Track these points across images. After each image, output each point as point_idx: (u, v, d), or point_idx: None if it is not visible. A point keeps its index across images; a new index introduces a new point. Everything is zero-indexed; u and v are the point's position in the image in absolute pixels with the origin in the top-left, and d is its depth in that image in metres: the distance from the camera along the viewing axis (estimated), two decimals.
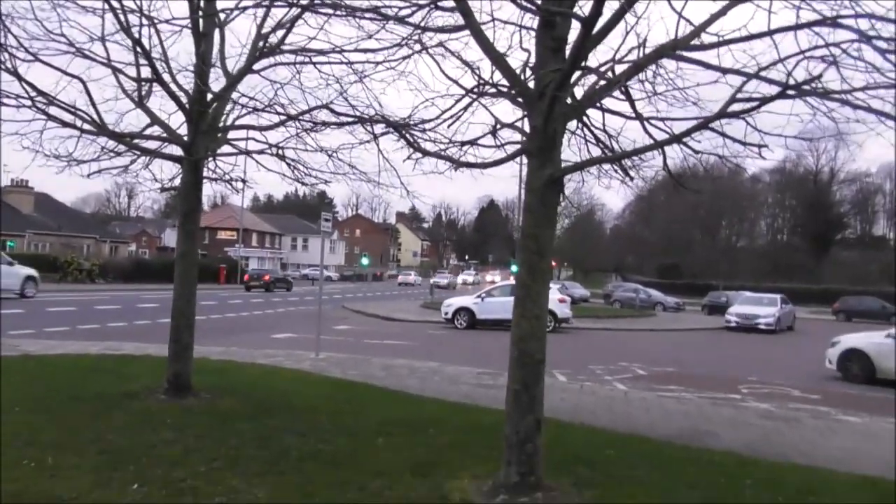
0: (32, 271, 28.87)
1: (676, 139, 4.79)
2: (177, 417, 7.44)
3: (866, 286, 55.11)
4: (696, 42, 5.25)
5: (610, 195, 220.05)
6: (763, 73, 4.90)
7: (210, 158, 8.70)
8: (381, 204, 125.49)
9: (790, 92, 4.29)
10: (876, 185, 79.06)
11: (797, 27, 4.28)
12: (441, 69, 6.09)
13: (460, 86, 5.93)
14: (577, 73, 5.60)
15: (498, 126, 6.14)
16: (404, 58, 6.37)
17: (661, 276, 76.56)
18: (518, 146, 6.01)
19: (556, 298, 25.49)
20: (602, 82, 5.47)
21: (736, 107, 4.71)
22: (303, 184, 8.75)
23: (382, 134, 5.98)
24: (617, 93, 5.63)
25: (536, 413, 5.20)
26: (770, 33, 4.39)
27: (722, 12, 5.12)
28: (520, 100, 5.56)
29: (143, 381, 9.28)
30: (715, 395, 12.35)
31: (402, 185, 7.91)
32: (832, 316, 41.62)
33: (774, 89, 4.75)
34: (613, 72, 5.54)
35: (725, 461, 6.93)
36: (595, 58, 5.92)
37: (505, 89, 5.69)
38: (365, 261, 73.27)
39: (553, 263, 36.63)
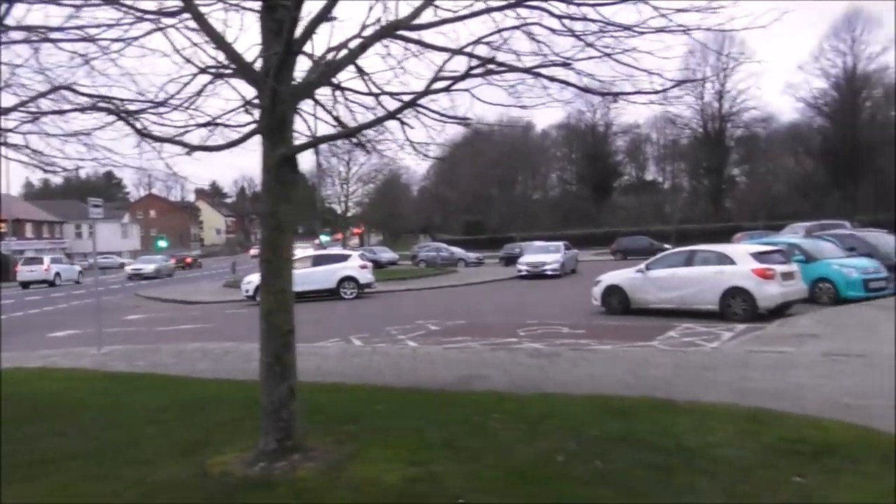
0: (79, 267, 47.23)
1: (391, 115, 5.22)
2: None
3: (642, 226, 61.51)
4: (416, 22, 5.69)
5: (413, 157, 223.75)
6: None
7: None
8: (178, 182, 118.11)
9: (476, 71, 4.85)
10: (644, 136, 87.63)
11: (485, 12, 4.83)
12: (175, 48, 6.04)
13: (194, 65, 5.93)
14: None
15: (242, 105, 6.24)
16: (137, 37, 6.22)
17: (467, 233, 79.82)
18: None
19: (357, 265, 25.98)
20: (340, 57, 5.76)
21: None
22: (45, 171, 8.20)
23: (116, 121, 5.82)
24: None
25: (290, 381, 5.50)
26: (461, 18, 4.91)
27: None
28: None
29: None
30: (496, 340, 13.39)
31: (168, 167, 7.73)
32: (611, 256, 46.07)
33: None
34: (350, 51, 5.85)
35: (484, 400, 7.71)
36: (344, 34, 6.22)
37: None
38: (162, 243, 69.19)
39: (357, 231, 37.17)
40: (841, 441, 5.58)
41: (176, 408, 7.76)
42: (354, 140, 6.17)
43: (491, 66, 4.94)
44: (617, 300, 16.59)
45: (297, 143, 5.74)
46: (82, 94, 7.47)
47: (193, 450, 5.99)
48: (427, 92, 5.06)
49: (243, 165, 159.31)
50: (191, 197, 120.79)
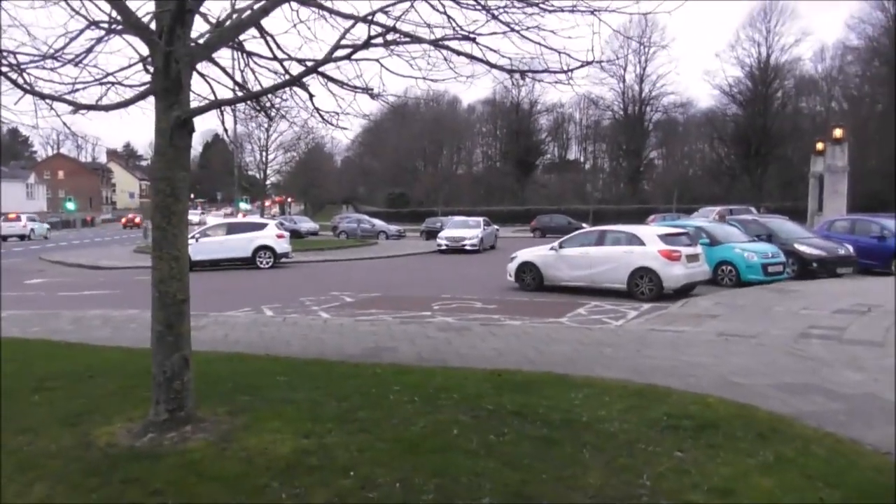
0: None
1: (292, 82, 5.09)
2: None
3: (563, 205, 62.79)
4: None
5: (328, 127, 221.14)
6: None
7: None
8: (88, 142, 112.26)
9: (377, 41, 4.78)
10: (568, 115, 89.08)
11: None
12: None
13: (84, 17, 5.59)
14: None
15: (136, 63, 5.95)
16: None
17: (390, 206, 79.47)
18: None
19: (275, 234, 25.52)
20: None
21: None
22: None
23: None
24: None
25: (183, 351, 5.36)
26: None
27: None
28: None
29: None
30: (409, 314, 13.42)
31: (65, 126, 7.30)
32: (531, 233, 46.84)
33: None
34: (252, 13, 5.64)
35: (387, 372, 7.71)
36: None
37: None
38: (70, 205, 66.05)
39: (279, 199, 36.54)
40: (722, 417, 5.87)
41: (66, 376, 7.43)
42: (258, 105, 5.99)
43: (395, 37, 4.86)
44: (531, 277, 16.88)
45: (196, 105, 5.53)
46: None
47: (79, 420, 5.77)
48: (328, 60, 4.94)
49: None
50: (102, 158, 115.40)
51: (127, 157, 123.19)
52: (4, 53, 5.16)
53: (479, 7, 5.31)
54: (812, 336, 10.22)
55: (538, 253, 17.12)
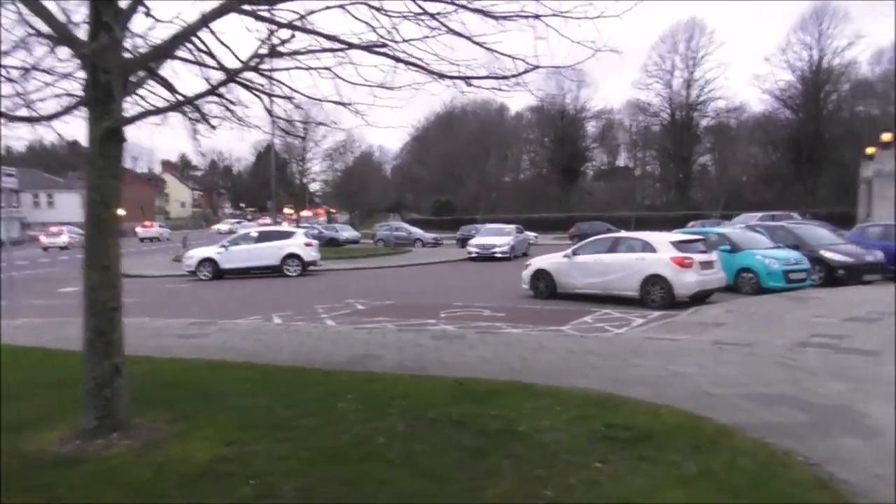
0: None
1: (212, 90, 5.13)
2: None
3: (609, 212, 61.85)
4: None
5: (388, 135, 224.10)
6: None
7: None
8: (144, 152, 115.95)
9: (289, 48, 4.79)
10: (618, 122, 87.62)
11: None
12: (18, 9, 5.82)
13: (33, 27, 5.72)
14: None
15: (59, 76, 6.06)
16: None
17: (435, 213, 79.60)
18: None
19: (303, 242, 25.83)
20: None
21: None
22: None
23: None
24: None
25: (114, 358, 5.43)
26: None
27: None
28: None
29: None
30: (413, 321, 13.37)
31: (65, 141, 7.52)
32: (570, 240, 46.25)
33: None
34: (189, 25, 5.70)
35: (354, 380, 7.69)
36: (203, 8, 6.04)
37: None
38: (120, 213, 68.37)
39: (320, 210, 37.17)
40: (666, 429, 5.66)
41: (40, 384, 7.63)
42: (198, 114, 6.05)
43: (305, 46, 4.86)
44: (544, 284, 16.65)
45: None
46: None
47: (26, 426, 5.89)
48: (244, 69, 4.97)
49: (215, 139, 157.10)
50: (157, 168, 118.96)
51: (182, 167, 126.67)
52: None
53: (430, 14, 5.28)
54: (810, 345, 9.78)
55: (552, 260, 16.87)
